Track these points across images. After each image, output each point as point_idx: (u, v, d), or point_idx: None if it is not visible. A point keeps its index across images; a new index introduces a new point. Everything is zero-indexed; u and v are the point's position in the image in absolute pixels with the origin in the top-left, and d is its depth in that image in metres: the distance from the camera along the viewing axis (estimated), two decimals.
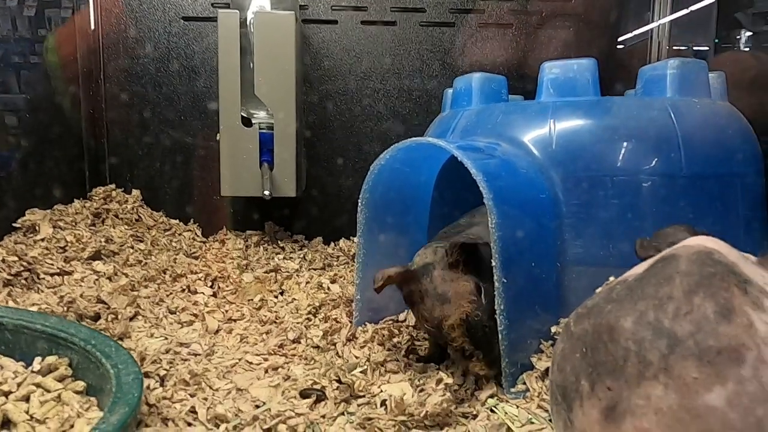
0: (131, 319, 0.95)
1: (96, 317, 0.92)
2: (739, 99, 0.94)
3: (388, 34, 1.50)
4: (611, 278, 0.52)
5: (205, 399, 0.69)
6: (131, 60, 1.48)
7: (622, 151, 0.81)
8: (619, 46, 1.61)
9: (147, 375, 0.73)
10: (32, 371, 0.63)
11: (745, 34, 1.49)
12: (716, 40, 1.58)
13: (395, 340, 0.90)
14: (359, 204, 0.88)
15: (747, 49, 1.43)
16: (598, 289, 0.51)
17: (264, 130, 1.32)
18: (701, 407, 0.37)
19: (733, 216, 0.84)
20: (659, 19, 1.57)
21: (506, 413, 0.67)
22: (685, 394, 0.38)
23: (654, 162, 0.81)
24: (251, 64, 1.32)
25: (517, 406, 0.68)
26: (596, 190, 0.81)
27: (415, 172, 0.97)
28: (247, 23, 1.31)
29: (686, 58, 0.87)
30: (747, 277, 0.42)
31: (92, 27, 1.46)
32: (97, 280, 1.06)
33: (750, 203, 0.87)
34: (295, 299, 1.06)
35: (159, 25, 1.47)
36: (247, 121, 1.33)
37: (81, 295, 0.95)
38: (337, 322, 0.94)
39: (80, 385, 0.61)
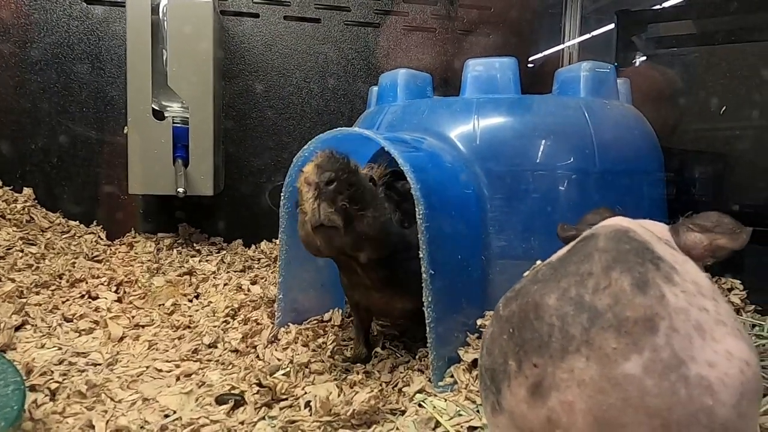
0: (17, 328, 0.84)
1: None
2: (646, 110, 1.01)
3: (312, 31, 1.47)
4: (538, 262, 0.52)
5: (105, 411, 0.61)
6: (24, 44, 1.33)
7: (542, 147, 0.84)
8: (532, 59, 1.70)
9: (34, 389, 0.64)
10: None
11: (640, 57, 1.63)
12: (615, 63, 1.72)
13: (320, 340, 0.86)
14: (281, 198, 0.84)
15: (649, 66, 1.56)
16: (526, 273, 0.52)
17: (178, 124, 1.24)
18: (620, 376, 0.38)
19: (639, 210, 0.90)
20: (570, 38, 1.68)
21: (435, 407, 0.66)
22: (606, 365, 0.38)
23: (571, 158, 0.84)
24: (164, 54, 1.23)
25: (446, 399, 0.67)
26: (518, 184, 0.83)
27: None
28: (160, 10, 1.23)
29: (598, 61, 0.92)
30: (659, 254, 0.44)
31: None
32: None
33: (653, 198, 0.94)
34: (211, 302, 0.99)
35: (57, 7, 1.33)
36: (159, 114, 1.24)
37: None
38: (258, 323, 0.88)
39: None
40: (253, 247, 1.41)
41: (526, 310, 0.44)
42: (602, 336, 0.39)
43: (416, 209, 0.69)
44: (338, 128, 0.78)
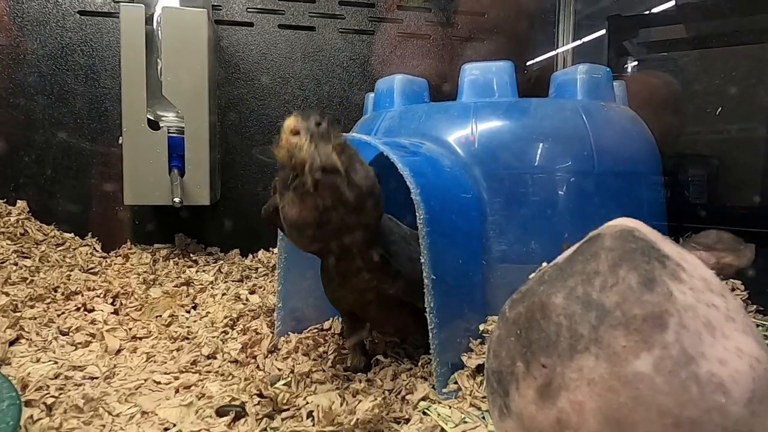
0: (12, 343, 0.82)
1: None
2: (648, 118, 1.00)
3: (307, 40, 1.47)
4: (543, 264, 0.52)
5: (103, 426, 0.60)
6: (17, 56, 1.32)
7: (540, 150, 0.84)
8: (526, 64, 1.71)
9: (29, 404, 0.62)
10: None
11: (632, 62, 1.64)
12: (608, 69, 1.74)
13: (321, 349, 0.85)
14: None
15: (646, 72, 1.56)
16: (532, 275, 0.51)
17: (173, 134, 1.23)
18: (630, 374, 0.37)
19: (638, 212, 0.89)
20: (564, 44, 1.69)
21: (439, 414, 0.65)
22: (615, 363, 0.38)
23: (569, 160, 0.84)
24: (158, 63, 1.23)
25: (450, 407, 0.66)
26: (517, 187, 0.83)
27: None
28: (154, 20, 1.23)
29: (594, 64, 0.92)
30: (665, 252, 0.44)
31: None
32: None
33: (652, 200, 0.94)
34: (209, 312, 0.98)
35: (50, 18, 1.33)
36: (154, 124, 1.23)
37: None
38: (258, 333, 0.87)
39: None
40: (251, 256, 1.40)
41: (532, 311, 0.44)
42: (611, 334, 0.38)
43: (416, 214, 0.68)
44: None
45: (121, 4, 1.18)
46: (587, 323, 0.39)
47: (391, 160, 0.70)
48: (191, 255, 1.36)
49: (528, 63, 1.71)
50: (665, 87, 1.38)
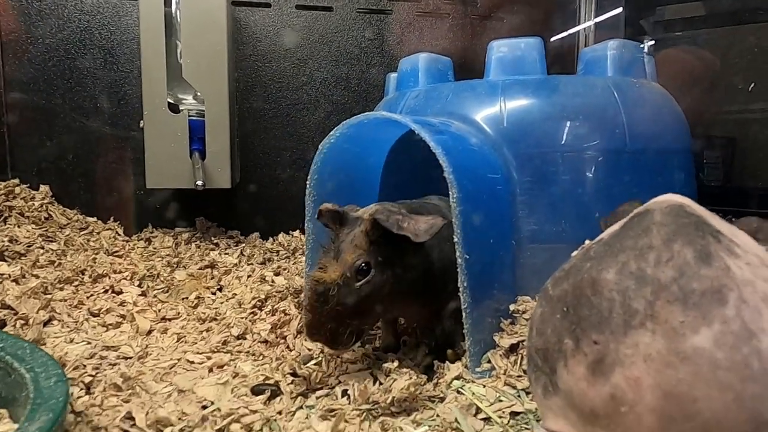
0: (45, 324, 0.84)
1: (1, 324, 0.79)
2: (682, 95, 0.98)
3: (325, 20, 1.45)
4: (587, 242, 0.51)
5: (143, 404, 0.60)
6: (35, 40, 1.32)
7: (571, 128, 0.82)
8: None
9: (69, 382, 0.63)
10: None
11: (649, 41, 1.60)
12: (638, 44, 1.70)
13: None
14: (308, 186, 0.82)
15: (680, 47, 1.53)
16: (574, 253, 0.50)
17: (194, 117, 1.23)
18: (689, 349, 0.36)
19: (670, 189, 0.88)
20: (585, 20, 1.65)
21: (474, 393, 0.65)
22: (673, 338, 0.37)
23: (600, 138, 0.82)
24: (177, 45, 1.22)
25: (484, 386, 0.66)
26: (547, 166, 0.82)
27: (364, 154, 0.93)
28: (173, 2, 1.21)
29: (623, 40, 0.90)
30: (717, 227, 0.43)
31: None
32: (0, 283, 0.92)
33: (683, 177, 0.92)
34: (236, 294, 0.99)
35: (68, 2, 1.32)
36: (174, 107, 1.23)
37: None
38: (286, 314, 0.87)
39: None
40: (271, 239, 1.40)
41: (581, 287, 0.43)
42: (668, 309, 0.37)
43: (450, 193, 0.68)
44: (365, 113, 0.76)
45: None
46: (642, 299, 0.38)
47: (423, 138, 0.69)
48: (212, 238, 1.36)
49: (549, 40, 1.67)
50: (701, 63, 1.34)
